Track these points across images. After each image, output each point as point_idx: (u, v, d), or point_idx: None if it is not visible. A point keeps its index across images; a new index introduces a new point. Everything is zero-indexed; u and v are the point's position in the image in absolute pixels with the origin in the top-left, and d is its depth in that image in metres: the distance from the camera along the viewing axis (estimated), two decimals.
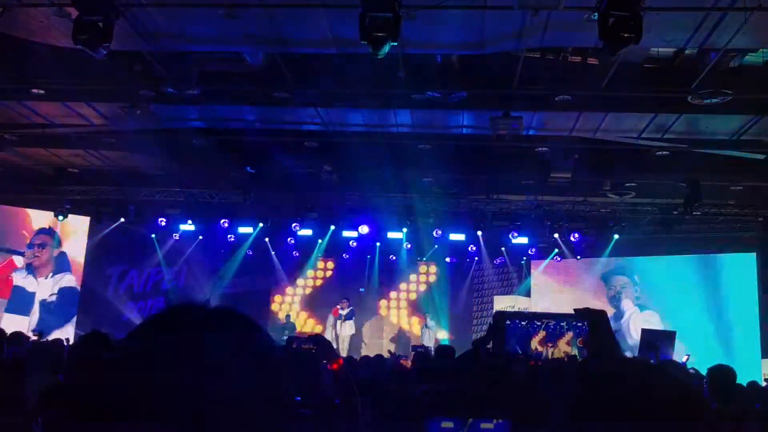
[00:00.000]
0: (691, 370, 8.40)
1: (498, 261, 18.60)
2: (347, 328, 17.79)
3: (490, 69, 9.45)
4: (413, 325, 19.55)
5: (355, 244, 17.74)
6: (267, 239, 17.80)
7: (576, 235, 15.41)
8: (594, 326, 1.89)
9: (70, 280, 16.20)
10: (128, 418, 0.84)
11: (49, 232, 16.02)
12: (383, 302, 19.82)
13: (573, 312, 2.01)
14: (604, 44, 6.69)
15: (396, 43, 6.94)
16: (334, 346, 16.82)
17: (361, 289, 19.34)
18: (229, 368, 0.89)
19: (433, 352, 15.66)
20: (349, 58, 9.04)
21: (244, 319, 0.98)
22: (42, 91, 10.42)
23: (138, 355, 0.90)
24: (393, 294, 19.86)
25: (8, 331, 7.97)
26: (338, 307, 18.06)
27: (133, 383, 0.86)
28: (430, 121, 11.35)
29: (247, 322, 0.98)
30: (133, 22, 8.12)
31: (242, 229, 16.53)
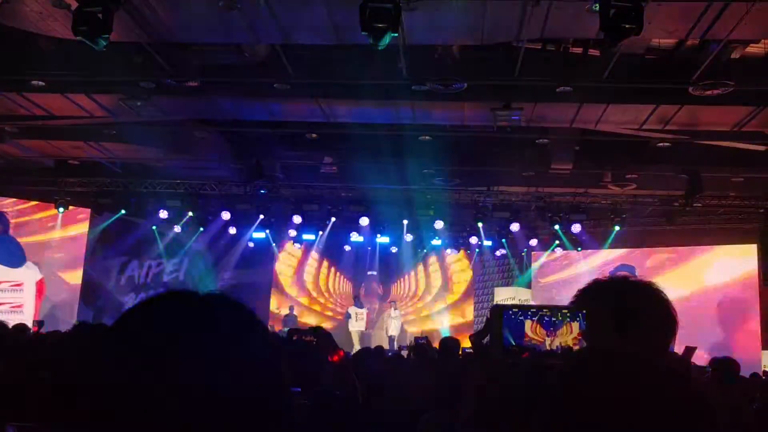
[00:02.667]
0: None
1: (499, 253, 18.61)
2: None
3: (491, 60, 9.42)
4: (415, 316, 19.61)
5: (356, 236, 17.76)
6: (267, 231, 17.80)
7: (577, 226, 15.41)
8: (592, 317, 1.81)
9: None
10: (108, 418, 0.82)
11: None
12: (385, 293, 19.85)
13: (570, 302, 1.93)
14: (605, 35, 6.66)
15: (396, 34, 6.92)
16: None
17: (369, 273, 19.42)
18: (221, 359, 0.86)
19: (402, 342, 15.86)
20: (350, 49, 9.02)
21: (238, 305, 0.94)
22: (42, 83, 10.39)
23: (119, 350, 0.87)
24: (394, 286, 19.89)
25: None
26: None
27: (113, 380, 0.83)
28: (430, 112, 11.33)
29: (241, 309, 0.94)
30: (133, 13, 8.09)
31: (240, 210, 16.43)
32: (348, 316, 18.04)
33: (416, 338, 14.23)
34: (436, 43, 9.34)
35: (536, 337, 1.57)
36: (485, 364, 1.48)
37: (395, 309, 18.35)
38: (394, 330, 17.91)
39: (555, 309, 1.64)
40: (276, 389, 0.91)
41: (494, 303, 17.21)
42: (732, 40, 8.44)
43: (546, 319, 1.60)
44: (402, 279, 19.88)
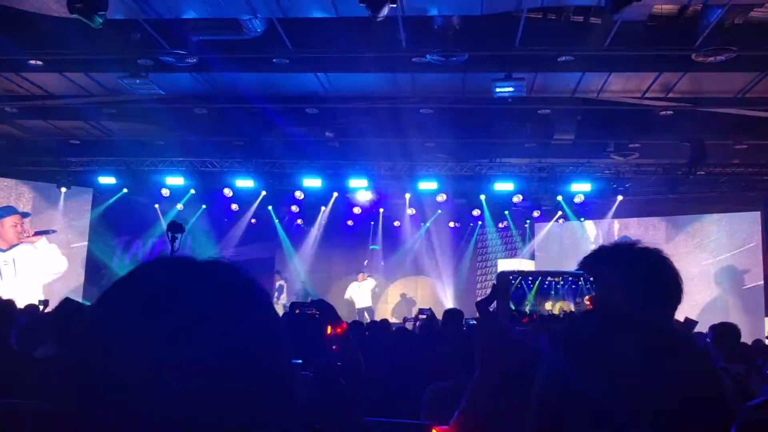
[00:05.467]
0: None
1: (501, 225, 18.60)
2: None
3: (491, 30, 9.33)
4: (418, 290, 19.69)
5: (359, 210, 17.76)
6: (270, 207, 17.80)
7: (579, 197, 15.38)
8: (602, 281, 1.79)
9: None
10: (95, 396, 0.78)
11: None
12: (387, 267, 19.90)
13: (578, 266, 1.92)
14: (606, 3, 6.60)
15: (395, 5, 6.85)
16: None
17: (371, 247, 19.47)
18: (216, 328, 0.82)
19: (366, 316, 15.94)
20: (348, 21, 8.93)
21: (236, 271, 0.90)
22: (40, 62, 10.35)
23: (104, 321, 0.84)
24: (396, 259, 19.91)
25: None
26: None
27: (96, 356, 0.80)
28: (431, 84, 11.26)
29: (240, 275, 0.90)
30: None
31: (242, 186, 16.41)
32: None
33: (420, 310, 14.30)
34: (435, 13, 9.25)
35: (538, 303, 1.56)
36: (490, 329, 1.47)
37: (365, 279, 18.44)
38: (364, 301, 17.98)
39: (559, 274, 1.63)
40: (276, 358, 0.88)
41: (500, 270, 17.22)
42: (735, 4, 8.34)
43: (548, 284, 1.59)
44: (405, 252, 19.88)
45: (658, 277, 1.86)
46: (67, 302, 4.15)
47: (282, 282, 18.70)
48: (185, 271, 0.89)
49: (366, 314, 17.52)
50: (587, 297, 1.56)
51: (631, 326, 1.09)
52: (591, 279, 1.60)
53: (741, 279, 15.21)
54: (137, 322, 0.81)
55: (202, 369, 0.80)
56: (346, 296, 18.36)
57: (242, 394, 0.82)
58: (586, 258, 1.92)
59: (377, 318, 14.23)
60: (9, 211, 15.46)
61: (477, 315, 1.79)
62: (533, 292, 1.55)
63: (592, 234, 17.12)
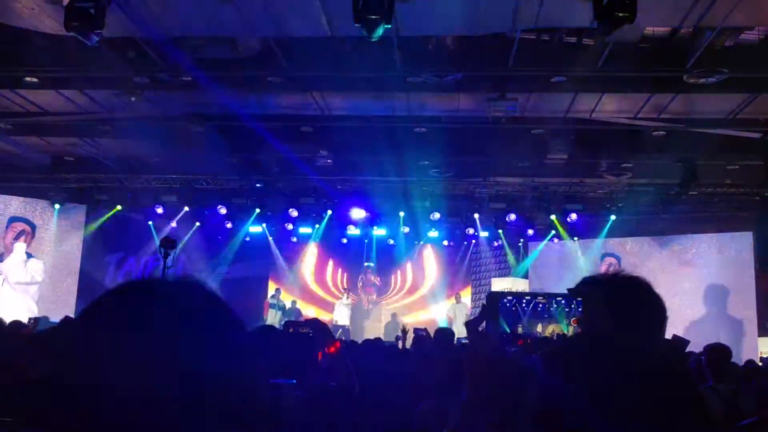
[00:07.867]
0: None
1: (495, 243, 18.61)
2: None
3: (486, 51, 9.40)
4: (411, 308, 19.65)
5: (352, 228, 17.75)
6: (264, 225, 17.79)
7: (573, 216, 15.42)
8: (588, 304, 1.84)
9: None
10: (73, 411, 0.80)
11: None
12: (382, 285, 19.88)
13: (567, 291, 1.97)
14: (599, 24, 6.66)
15: (390, 26, 6.91)
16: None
17: (365, 264, 19.45)
18: (185, 349, 0.84)
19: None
20: (344, 41, 9.00)
21: (205, 292, 0.92)
22: (35, 79, 10.37)
23: (81, 338, 0.86)
24: (391, 277, 19.90)
25: None
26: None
27: (72, 371, 0.82)
28: (425, 103, 11.32)
29: (209, 296, 0.92)
30: (126, 7, 8.06)
31: (236, 203, 16.44)
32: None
33: (415, 329, 14.28)
34: (430, 34, 9.32)
35: (531, 325, 1.58)
36: (479, 350, 1.48)
37: (347, 297, 18.48)
38: (343, 319, 17.97)
39: (550, 297, 1.65)
40: (246, 377, 0.89)
41: (489, 291, 17.22)
42: (726, 27, 8.44)
43: (541, 307, 1.61)
44: (399, 270, 19.86)
45: (642, 305, 1.91)
46: (44, 321, 4.14)
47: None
48: (154, 294, 0.91)
49: (341, 332, 17.56)
50: (574, 319, 1.58)
51: (614, 350, 1.12)
52: (580, 302, 1.63)
53: (732, 298, 15.22)
54: (107, 347, 0.83)
55: (175, 391, 0.82)
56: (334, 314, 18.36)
57: (215, 413, 0.84)
58: (575, 285, 1.97)
59: (371, 337, 14.16)
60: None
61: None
62: (527, 315, 1.57)
63: (585, 253, 17.14)
